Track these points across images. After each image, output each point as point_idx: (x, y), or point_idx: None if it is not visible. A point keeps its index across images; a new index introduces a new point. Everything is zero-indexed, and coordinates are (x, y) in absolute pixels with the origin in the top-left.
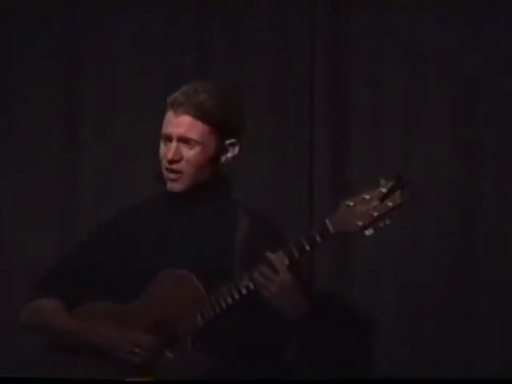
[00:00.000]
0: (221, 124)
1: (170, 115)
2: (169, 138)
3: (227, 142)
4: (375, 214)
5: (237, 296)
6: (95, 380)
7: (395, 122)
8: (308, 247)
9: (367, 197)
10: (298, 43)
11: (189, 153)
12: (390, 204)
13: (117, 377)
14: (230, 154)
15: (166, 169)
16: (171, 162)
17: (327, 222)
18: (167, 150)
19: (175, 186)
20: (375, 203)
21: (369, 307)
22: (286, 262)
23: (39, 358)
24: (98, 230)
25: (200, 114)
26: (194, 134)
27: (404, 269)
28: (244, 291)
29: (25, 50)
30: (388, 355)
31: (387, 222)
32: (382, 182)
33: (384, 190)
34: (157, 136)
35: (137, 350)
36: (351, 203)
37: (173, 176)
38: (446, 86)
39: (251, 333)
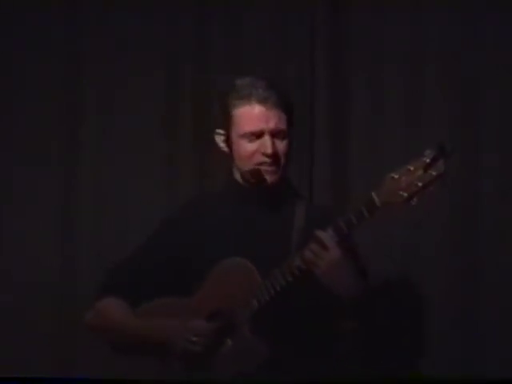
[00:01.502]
0: (292, 112)
1: (253, 110)
2: (260, 134)
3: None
4: (420, 184)
5: (290, 278)
6: (95, 380)
7: (395, 121)
8: (356, 221)
9: (411, 168)
10: (298, 43)
11: (281, 145)
12: (434, 173)
13: (180, 374)
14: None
15: (265, 163)
16: (273, 156)
17: (373, 194)
18: (262, 146)
19: (274, 178)
20: (419, 173)
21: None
22: (336, 238)
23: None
24: (159, 228)
25: (284, 106)
26: (284, 126)
27: (404, 268)
28: (296, 272)
29: (25, 50)
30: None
31: (431, 189)
32: (427, 152)
33: (427, 160)
34: (156, 135)
35: (195, 339)
36: (396, 175)
37: (273, 169)
38: (445, 86)
39: (305, 316)
